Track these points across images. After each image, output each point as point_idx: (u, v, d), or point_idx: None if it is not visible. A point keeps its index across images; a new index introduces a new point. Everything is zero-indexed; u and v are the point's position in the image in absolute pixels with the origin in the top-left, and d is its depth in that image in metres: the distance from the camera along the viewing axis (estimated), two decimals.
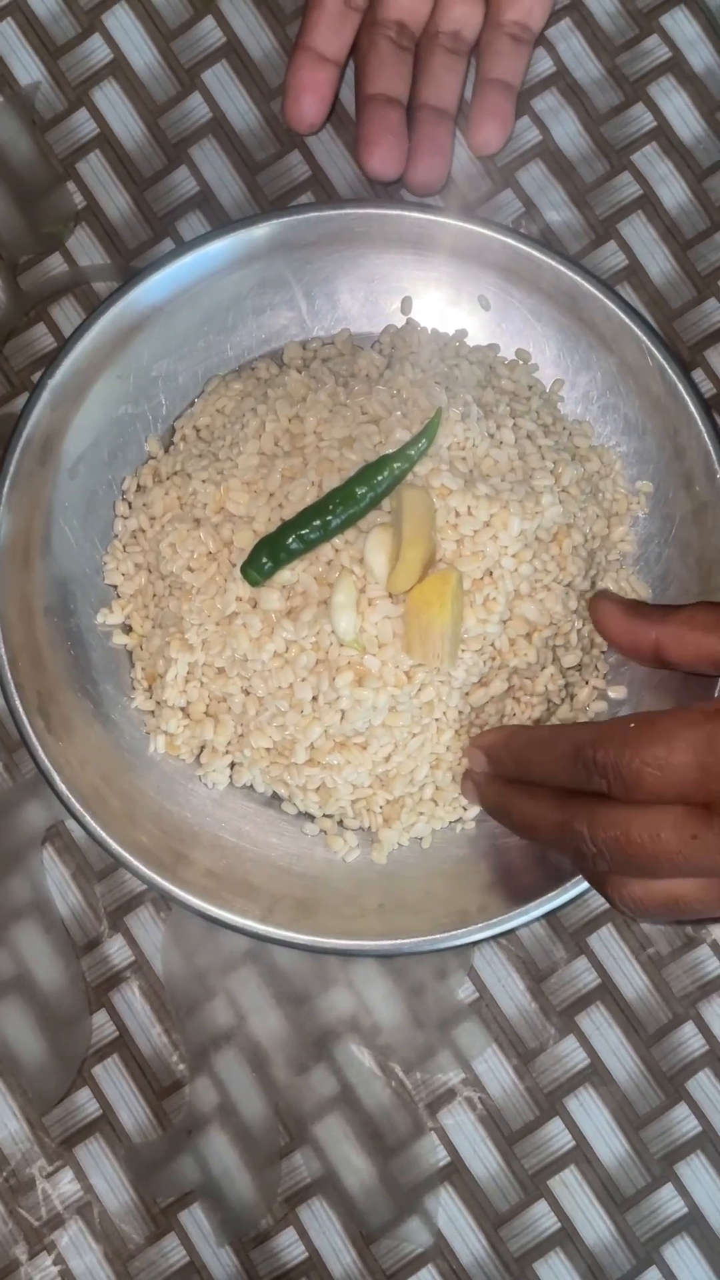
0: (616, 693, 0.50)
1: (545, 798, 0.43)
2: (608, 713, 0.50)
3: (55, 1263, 0.50)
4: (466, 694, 0.47)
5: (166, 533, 0.49)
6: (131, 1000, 0.51)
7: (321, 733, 0.46)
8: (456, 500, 0.46)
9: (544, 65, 0.55)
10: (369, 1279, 0.50)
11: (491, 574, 0.46)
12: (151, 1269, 0.50)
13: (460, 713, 0.47)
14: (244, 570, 0.46)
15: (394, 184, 0.54)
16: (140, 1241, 0.51)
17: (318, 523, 0.45)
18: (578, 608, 0.49)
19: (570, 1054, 0.51)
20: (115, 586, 0.51)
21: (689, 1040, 0.51)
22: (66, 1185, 0.51)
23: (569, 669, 0.49)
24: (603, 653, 0.51)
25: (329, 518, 0.45)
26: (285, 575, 0.46)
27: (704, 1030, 0.51)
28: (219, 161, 0.55)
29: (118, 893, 0.52)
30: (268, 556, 0.45)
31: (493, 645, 0.47)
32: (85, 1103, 0.51)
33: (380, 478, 0.45)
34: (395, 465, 0.45)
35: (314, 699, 0.46)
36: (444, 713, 0.47)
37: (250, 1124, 0.50)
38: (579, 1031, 0.51)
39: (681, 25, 0.54)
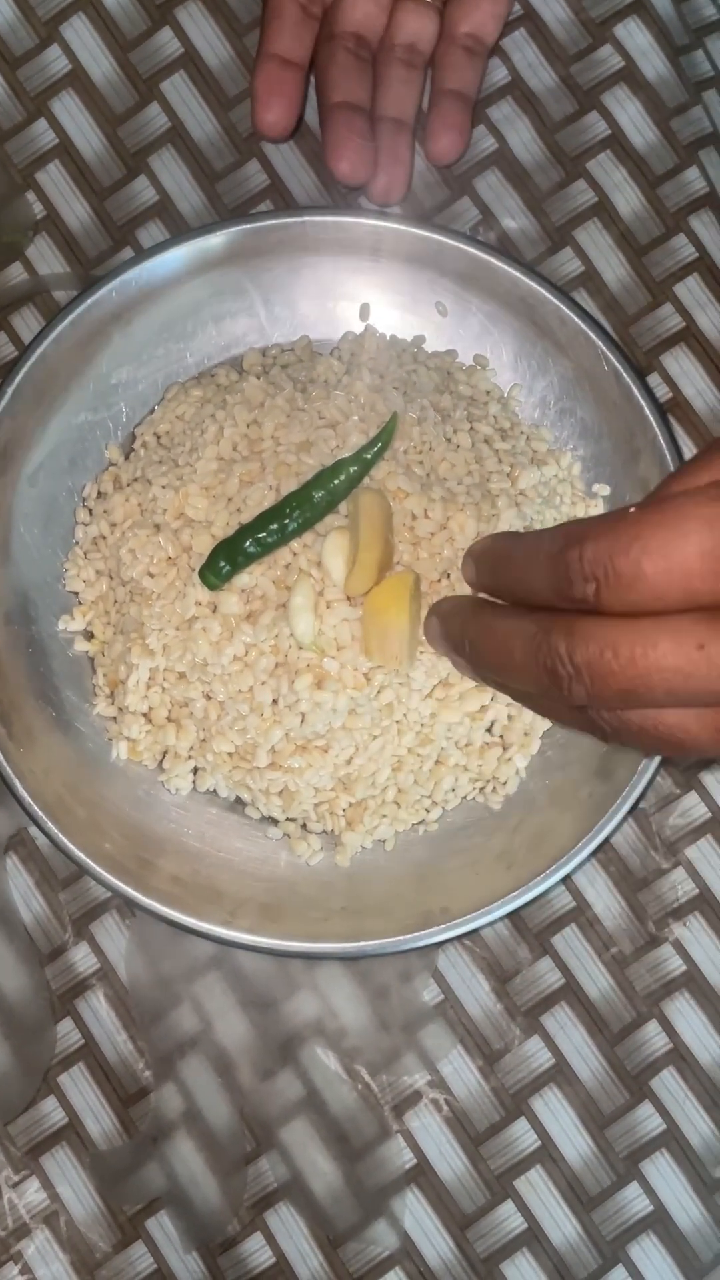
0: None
1: (525, 632, 0.35)
2: None
3: (22, 1272, 0.50)
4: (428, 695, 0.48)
5: (127, 539, 0.49)
6: (97, 1008, 0.51)
7: (282, 736, 0.47)
8: (413, 503, 0.46)
9: (499, 74, 0.55)
10: None
11: (449, 576, 0.46)
12: (118, 1277, 0.50)
13: (421, 713, 0.48)
14: (202, 574, 0.46)
15: (354, 192, 0.54)
16: (107, 1249, 0.50)
17: (275, 526, 0.45)
18: None
19: (535, 1054, 0.51)
20: (76, 593, 0.51)
21: (653, 1039, 0.51)
22: (33, 1194, 0.51)
23: None
24: None
25: (286, 521, 0.45)
26: (244, 579, 0.46)
27: (667, 1029, 0.51)
28: (178, 171, 0.55)
29: (82, 900, 0.52)
30: (225, 560, 0.46)
31: None
32: (51, 1111, 0.51)
33: (337, 481, 0.45)
34: (352, 469, 0.46)
35: (274, 702, 0.46)
36: (404, 715, 0.47)
37: (216, 1130, 0.50)
38: (544, 1032, 0.51)
39: (634, 35, 0.55)
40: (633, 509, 0.33)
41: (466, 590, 0.47)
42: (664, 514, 0.32)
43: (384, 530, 0.45)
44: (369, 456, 0.46)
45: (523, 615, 0.36)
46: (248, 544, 0.45)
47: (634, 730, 0.34)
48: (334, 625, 0.45)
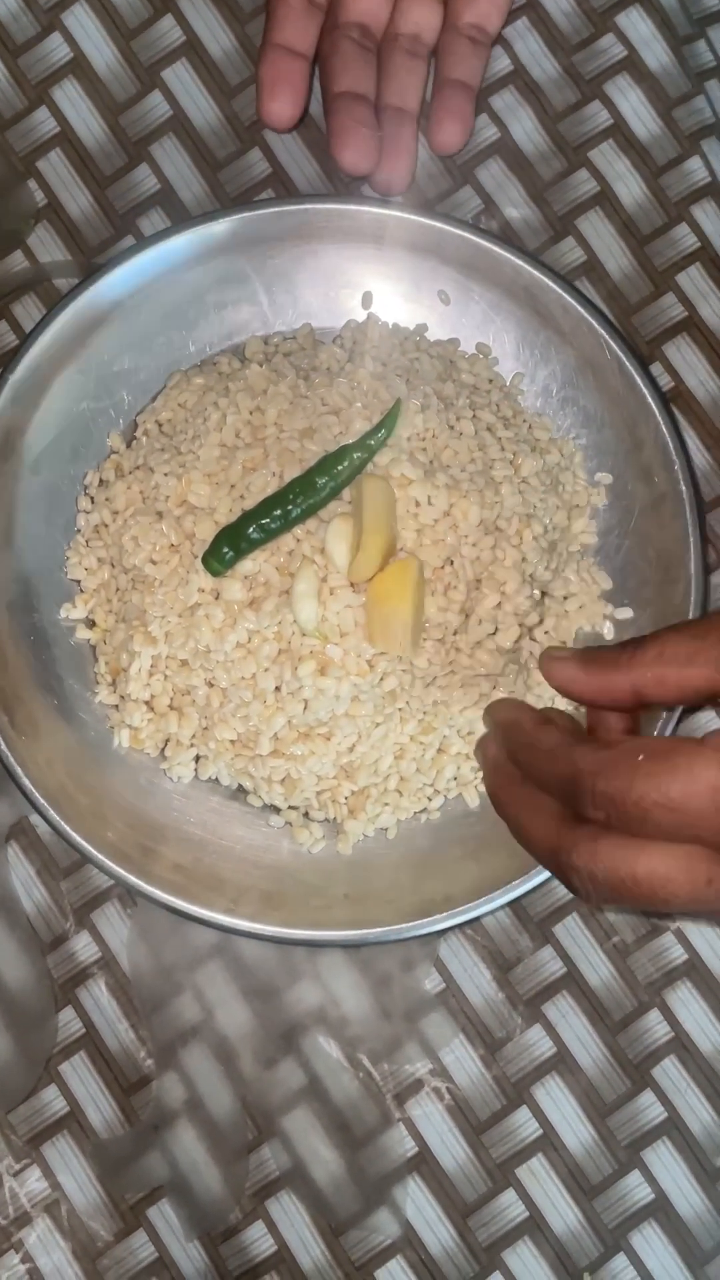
0: (623, 614, 0.50)
1: (544, 811, 0.40)
2: (616, 637, 0.50)
3: (23, 1261, 0.50)
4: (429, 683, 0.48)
5: (129, 526, 0.49)
6: (98, 997, 0.51)
7: (285, 723, 0.47)
8: (416, 490, 0.46)
9: (502, 64, 0.55)
10: (338, 1271, 0.50)
11: (452, 563, 0.46)
12: (120, 1266, 0.50)
13: (424, 701, 0.48)
14: (205, 560, 0.46)
15: (357, 181, 0.54)
16: (109, 1238, 0.50)
17: (278, 512, 0.45)
18: (538, 596, 0.49)
19: (537, 1043, 0.51)
20: (78, 581, 0.51)
21: (654, 1027, 0.51)
22: (34, 1183, 0.51)
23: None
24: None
25: (289, 507, 0.45)
26: (247, 565, 0.46)
27: (669, 1017, 0.51)
28: (180, 159, 0.55)
29: (84, 889, 0.52)
30: (229, 546, 0.46)
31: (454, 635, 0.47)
32: (52, 1100, 0.51)
33: (340, 468, 0.45)
34: (355, 455, 0.46)
35: (277, 689, 0.46)
36: (407, 703, 0.47)
37: (218, 1118, 0.50)
38: (545, 1020, 0.51)
39: (636, 24, 0.55)
40: (641, 756, 0.36)
41: (468, 577, 0.47)
42: (672, 768, 0.36)
43: (387, 517, 0.45)
44: (372, 443, 0.46)
45: (544, 814, 0.39)
46: (251, 530, 0.45)
47: (613, 904, 0.40)
48: (337, 612, 0.45)
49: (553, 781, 0.39)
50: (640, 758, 0.36)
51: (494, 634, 0.48)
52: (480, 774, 0.49)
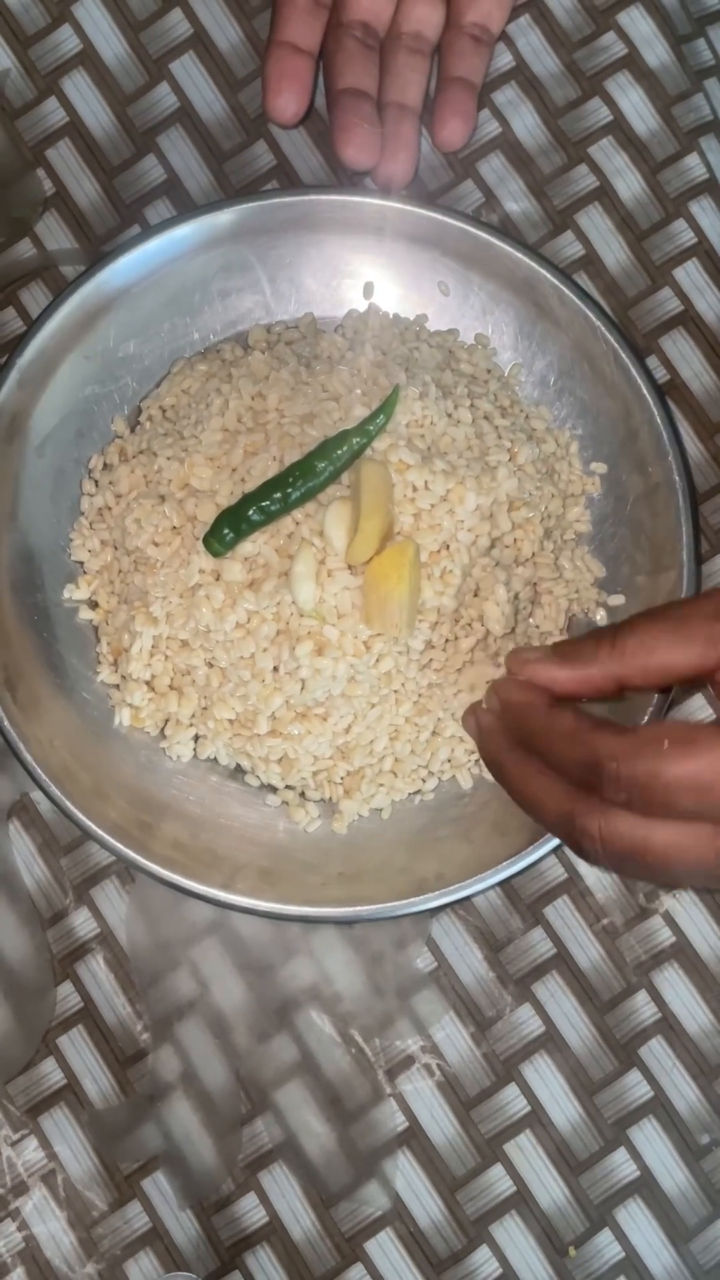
0: (615, 600, 0.51)
1: (555, 781, 0.41)
2: (607, 623, 0.51)
3: (19, 1229, 0.51)
4: (425, 665, 0.48)
5: (132, 509, 0.50)
6: (96, 971, 0.52)
7: (283, 703, 0.48)
8: (414, 475, 0.47)
9: (504, 60, 0.56)
10: (328, 1242, 0.51)
11: (448, 547, 0.47)
12: (114, 1235, 0.51)
13: (419, 683, 0.49)
14: (206, 541, 0.47)
15: (360, 174, 0.55)
16: (104, 1208, 0.51)
17: (278, 495, 0.46)
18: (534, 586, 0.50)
19: (526, 1022, 0.52)
20: (81, 563, 0.52)
21: (641, 1008, 0.52)
22: (31, 1153, 0.52)
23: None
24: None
25: (289, 490, 0.46)
26: (247, 547, 0.47)
27: (656, 998, 0.52)
28: (186, 150, 0.56)
29: (83, 866, 0.53)
30: (229, 527, 0.47)
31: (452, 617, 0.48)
32: (50, 1072, 0.52)
33: (339, 452, 0.46)
34: (354, 440, 0.47)
35: (275, 669, 0.47)
36: (402, 684, 0.48)
37: (212, 1091, 0.51)
38: (534, 1000, 0.52)
39: (637, 22, 0.56)
40: (666, 741, 0.38)
41: (464, 561, 0.48)
42: (694, 752, 0.38)
43: (385, 501, 0.46)
44: (371, 428, 0.47)
45: (556, 784, 0.41)
46: (252, 512, 0.46)
47: (628, 869, 0.41)
48: (335, 593, 0.46)
49: (570, 764, 0.40)
50: (665, 743, 0.38)
51: (487, 619, 0.49)
52: (473, 755, 0.50)
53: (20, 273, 0.55)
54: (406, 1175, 0.51)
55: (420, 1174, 0.51)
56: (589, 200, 0.55)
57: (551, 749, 0.41)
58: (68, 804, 0.49)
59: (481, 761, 0.48)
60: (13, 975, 0.52)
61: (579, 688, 0.42)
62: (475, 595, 0.49)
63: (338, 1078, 0.51)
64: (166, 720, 0.51)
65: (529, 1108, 0.52)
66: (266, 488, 0.46)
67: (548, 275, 0.51)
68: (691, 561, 0.50)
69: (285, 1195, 0.51)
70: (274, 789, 0.51)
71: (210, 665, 0.49)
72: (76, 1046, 0.52)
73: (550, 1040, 0.52)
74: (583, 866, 0.52)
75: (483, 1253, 0.51)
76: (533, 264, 0.51)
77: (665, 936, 0.52)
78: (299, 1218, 0.51)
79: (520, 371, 0.53)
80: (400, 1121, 0.52)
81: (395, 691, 0.48)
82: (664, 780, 0.38)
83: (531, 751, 0.42)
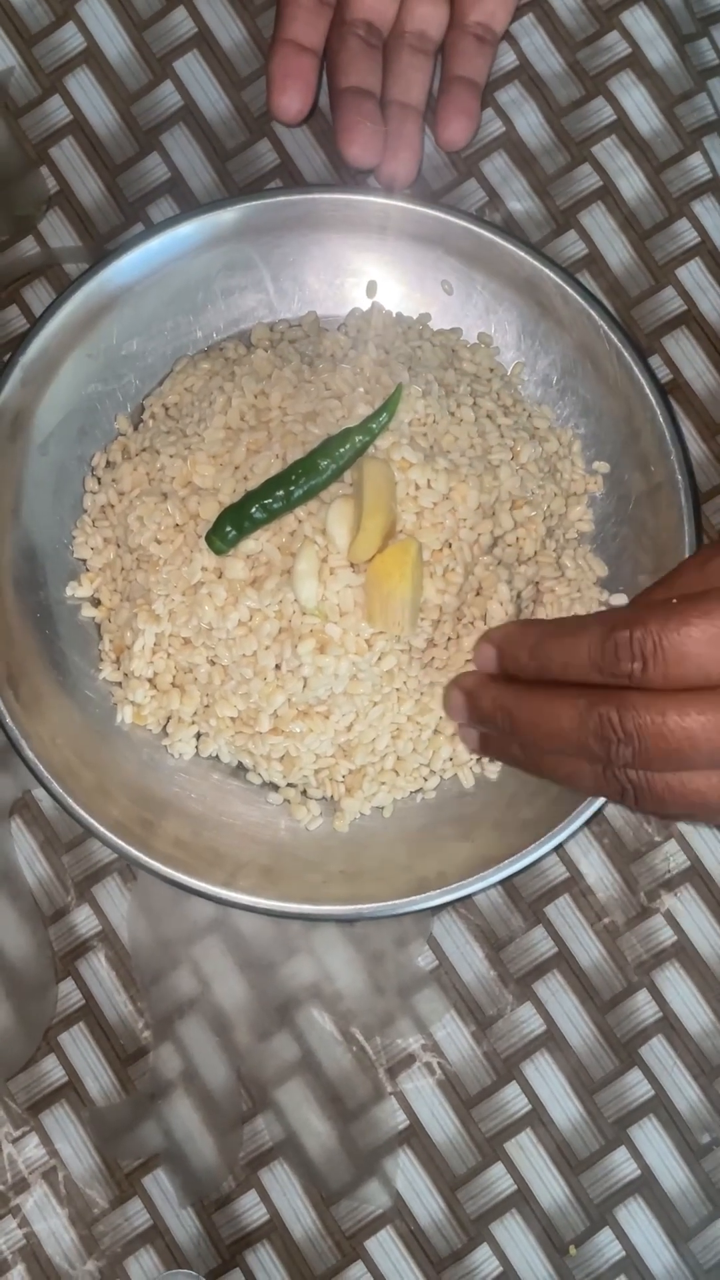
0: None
1: (564, 692, 0.40)
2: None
3: (20, 1225, 0.51)
4: (427, 663, 0.48)
5: (134, 507, 0.50)
6: (98, 969, 0.52)
7: (285, 701, 0.48)
8: (416, 473, 0.47)
9: (507, 59, 0.56)
10: (329, 1240, 0.51)
11: (450, 545, 0.47)
12: (115, 1232, 0.51)
13: (421, 681, 0.49)
14: (209, 539, 0.47)
15: (363, 172, 0.55)
16: (104, 1205, 0.51)
17: (280, 492, 0.46)
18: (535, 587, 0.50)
19: (527, 1020, 0.52)
20: (84, 560, 0.52)
21: (642, 1007, 0.52)
22: (32, 1150, 0.52)
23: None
24: None
25: (291, 487, 0.46)
26: (249, 545, 0.47)
27: (657, 998, 0.52)
28: (190, 148, 0.56)
29: (85, 863, 0.53)
30: (232, 525, 0.47)
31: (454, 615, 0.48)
32: (51, 1069, 0.52)
33: (342, 450, 0.46)
34: (357, 438, 0.47)
35: (277, 667, 0.47)
36: (404, 682, 0.48)
37: (213, 1089, 0.51)
38: (535, 999, 0.52)
39: (640, 22, 0.56)
40: (675, 599, 0.37)
41: (466, 559, 0.48)
42: (710, 603, 0.37)
43: (387, 499, 0.46)
44: (374, 426, 0.47)
45: (565, 690, 0.39)
46: (254, 509, 0.46)
47: (659, 791, 0.38)
48: (337, 591, 0.46)
49: (578, 652, 0.39)
50: (674, 600, 0.37)
51: (490, 618, 0.49)
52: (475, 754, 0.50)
53: (23, 270, 0.55)
54: (407, 1174, 0.51)
55: (421, 1172, 0.51)
56: (592, 200, 0.55)
57: (557, 649, 0.40)
58: (70, 801, 0.49)
59: (476, 753, 0.47)
60: (14, 972, 0.52)
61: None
62: (478, 594, 0.49)
63: (339, 1076, 0.51)
64: (169, 718, 0.51)
65: (530, 1106, 0.52)
66: (269, 485, 0.46)
67: (551, 274, 0.51)
68: None
69: (286, 1193, 0.51)
70: (276, 787, 0.51)
71: (212, 663, 0.49)
72: (78, 1044, 0.52)
73: (551, 1039, 0.52)
74: (584, 864, 0.52)
75: (483, 1251, 0.51)
76: (536, 263, 0.51)
77: (666, 936, 0.52)
78: (299, 1216, 0.51)
79: (523, 370, 0.53)
80: (401, 1120, 0.52)
81: (397, 690, 0.48)
82: (677, 635, 0.37)
83: (531, 680, 0.41)
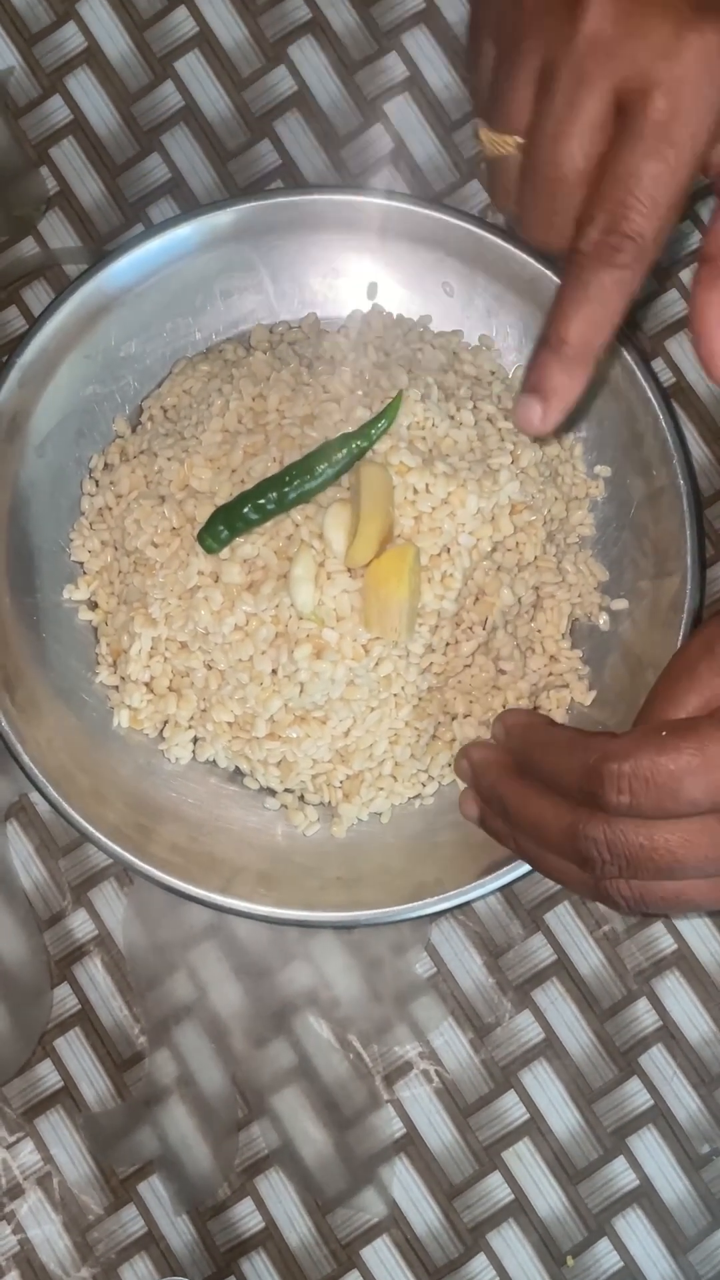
0: (619, 605, 0.51)
1: (557, 801, 0.40)
2: (611, 628, 0.51)
3: (14, 1231, 0.51)
4: (426, 668, 0.48)
5: (132, 509, 0.49)
6: (94, 974, 0.52)
7: (281, 705, 0.47)
8: (415, 477, 0.47)
9: None
10: (324, 1248, 0.51)
11: (449, 550, 0.47)
12: (110, 1238, 0.51)
13: (419, 687, 0.48)
14: (201, 538, 0.47)
15: (364, 173, 0.54)
16: (99, 1211, 0.51)
17: (274, 494, 0.46)
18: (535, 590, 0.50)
19: (525, 1028, 0.52)
20: (81, 563, 0.52)
21: (642, 1016, 0.52)
22: (27, 1156, 0.51)
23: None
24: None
25: (286, 490, 0.46)
26: (246, 549, 0.47)
27: (657, 1006, 0.52)
28: (190, 149, 0.56)
29: (81, 867, 0.52)
30: (224, 525, 0.46)
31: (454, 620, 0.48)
32: (46, 1074, 0.52)
33: (340, 454, 0.46)
34: (355, 443, 0.46)
35: (274, 672, 0.47)
36: (402, 688, 0.48)
37: (209, 1095, 0.51)
38: (534, 1006, 0.52)
39: None
40: (664, 733, 0.38)
41: (464, 565, 0.47)
42: (700, 737, 0.37)
43: (385, 503, 0.45)
44: (373, 431, 0.46)
45: (557, 800, 0.40)
46: (247, 509, 0.46)
47: (650, 900, 0.40)
48: (334, 596, 0.46)
49: (572, 774, 0.39)
50: (664, 734, 0.38)
51: (488, 623, 0.48)
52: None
53: (23, 271, 0.55)
54: (404, 1182, 0.51)
55: (417, 1181, 0.51)
56: None
57: (551, 760, 0.41)
58: (66, 806, 0.48)
59: (477, 825, 0.46)
60: (10, 977, 0.52)
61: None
62: (477, 600, 0.48)
63: (335, 1083, 0.51)
64: (165, 722, 0.51)
65: (528, 1115, 0.51)
66: (263, 487, 0.46)
67: (554, 277, 0.50)
68: (695, 566, 0.49)
69: (281, 1201, 0.51)
70: (273, 792, 0.51)
71: (209, 667, 0.49)
72: (73, 1049, 0.52)
73: (550, 1047, 0.51)
74: None
75: (480, 1261, 0.51)
76: (538, 266, 0.51)
77: (666, 944, 0.52)
78: (295, 1224, 0.51)
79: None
80: (398, 1128, 0.51)
81: (395, 695, 0.48)
82: (667, 770, 0.37)
83: (530, 775, 0.42)
